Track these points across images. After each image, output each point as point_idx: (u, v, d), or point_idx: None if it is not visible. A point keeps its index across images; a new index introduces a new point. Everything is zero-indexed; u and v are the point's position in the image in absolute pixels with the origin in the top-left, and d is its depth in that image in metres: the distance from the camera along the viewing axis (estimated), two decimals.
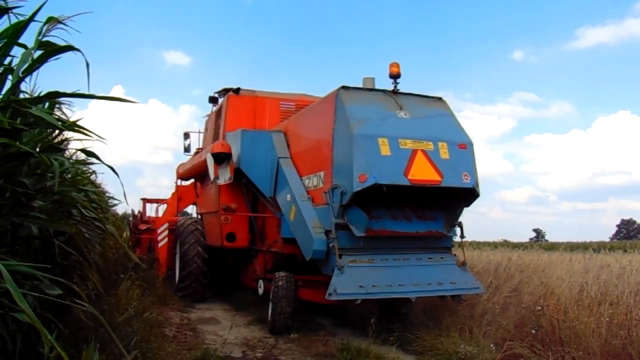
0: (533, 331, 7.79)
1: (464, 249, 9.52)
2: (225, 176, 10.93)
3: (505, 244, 28.97)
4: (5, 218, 3.88)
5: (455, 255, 9.15)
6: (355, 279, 8.00)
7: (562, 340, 7.51)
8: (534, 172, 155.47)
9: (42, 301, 3.71)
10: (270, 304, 9.40)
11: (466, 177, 8.52)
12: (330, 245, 8.37)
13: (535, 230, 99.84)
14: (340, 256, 8.14)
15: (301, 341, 8.83)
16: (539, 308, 8.17)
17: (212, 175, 11.19)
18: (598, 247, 22.93)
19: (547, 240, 67.03)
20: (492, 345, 7.68)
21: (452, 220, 9.01)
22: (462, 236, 9.08)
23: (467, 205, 8.94)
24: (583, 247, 27.03)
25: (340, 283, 7.87)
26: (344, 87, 8.83)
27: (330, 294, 7.79)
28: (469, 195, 8.75)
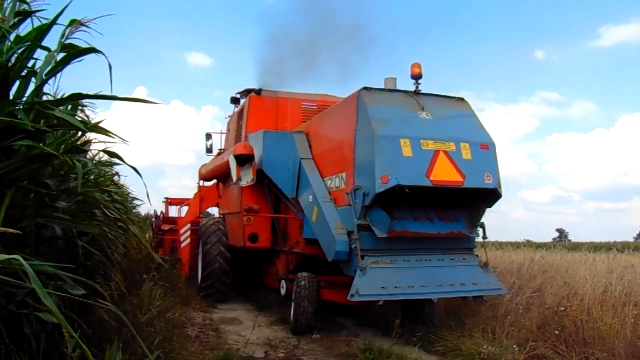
0: (556, 332, 7.75)
1: (486, 249, 9.49)
2: (247, 177, 10.96)
3: (528, 244, 28.72)
4: (29, 219, 3.91)
5: (477, 255, 9.16)
6: (378, 280, 8.03)
7: (585, 341, 7.46)
8: (556, 172, 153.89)
9: (65, 301, 3.74)
10: (293, 304, 9.48)
11: (488, 177, 8.51)
12: (353, 246, 8.38)
13: (558, 230, 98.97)
14: (362, 257, 8.17)
15: (323, 341, 8.84)
16: (562, 309, 8.12)
17: (234, 177, 11.23)
18: (622, 247, 22.75)
19: (570, 240, 66.42)
20: (515, 346, 7.65)
21: (474, 221, 9.01)
22: (484, 237, 9.10)
23: (490, 206, 8.95)
24: (607, 247, 26.83)
25: (362, 284, 7.90)
26: (365, 88, 8.84)
27: (352, 295, 7.82)
28: (491, 195, 8.74)
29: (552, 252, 16.62)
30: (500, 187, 8.66)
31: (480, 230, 9.08)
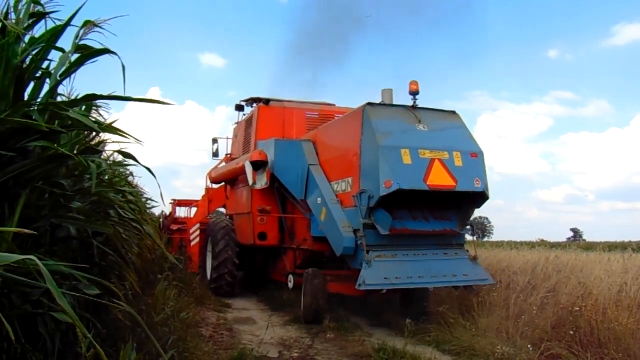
0: (571, 332, 7.72)
1: (475, 245, 10.53)
2: (261, 181, 11.95)
3: (543, 243, 28.54)
4: (44, 219, 3.94)
5: (467, 250, 10.16)
6: (381, 272, 8.97)
7: (600, 342, 7.43)
8: (571, 171, 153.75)
9: (80, 301, 3.76)
10: (303, 294, 10.37)
11: (477, 182, 9.61)
12: (359, 242, 9.36)
13: (572, 230, 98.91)
14: (367, 252, 9.12)
15: (337, 341, 8.88)
16: (577, 308, 8.08)
17: (250, 181, 12.13)
18: (637, 247, 22.49)
19: (584, 240, 66.25)
20: (529, 346, 7.63)
21: (465, 220, 10.23)
22: (472, 234, 10.38)
23: (478, 207, 10.21)
24: (622, 246, 26.50)
25: (368, 275, 8.83)
26: (369, 104, 9.91)
27: (360, 285, 8.75)
28: (480, 198, 9.87)
29: (567, 252, 16.48)
30: (487, 190, 9.72)
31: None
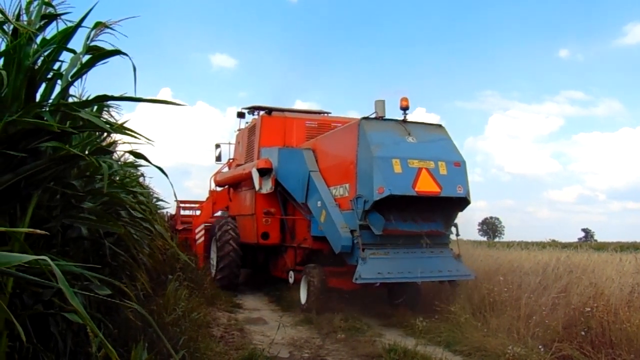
0: (582, 333, 7.69)
1: (459, 244, 11.50)
2: (267, 187, 13.23)
3: (554, 244, 28.37)
4: (56, 219, 3.95)
5: (451, 249, 11.25)
6: (375, 268, 10.06)
7: (612, 343, 7.40)
8: (582, 171, 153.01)
9: (91, 301, 3.77)
10: (306, 288, 11.55)
11: (460, 188, 10.72)
12: (355, 241, 10.47)
13: (584, 230, 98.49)
14: (363, 250, 10.19)
15: (348, 342, 8.88)
16: (589, 309, 8.05)
17: (257, 187, 13.36)
18: None
19: (596, 240, 65.84)
20: (540, 347, 7.62)
21: (449, 222, 11.22)
22: (457, 234, 11.35)
23: (461, 210, 11.20)
24: (633, 247, 26.35)
25: (364, 270, 9.92)
26: (365, 118, 11.18)
27: (356, 279, 9.83)
28: (462, 202, 10.97)
29: (578, 252, 16.39)
30: (469, 196, 10.86)
31: (453, 229, 11.26)
